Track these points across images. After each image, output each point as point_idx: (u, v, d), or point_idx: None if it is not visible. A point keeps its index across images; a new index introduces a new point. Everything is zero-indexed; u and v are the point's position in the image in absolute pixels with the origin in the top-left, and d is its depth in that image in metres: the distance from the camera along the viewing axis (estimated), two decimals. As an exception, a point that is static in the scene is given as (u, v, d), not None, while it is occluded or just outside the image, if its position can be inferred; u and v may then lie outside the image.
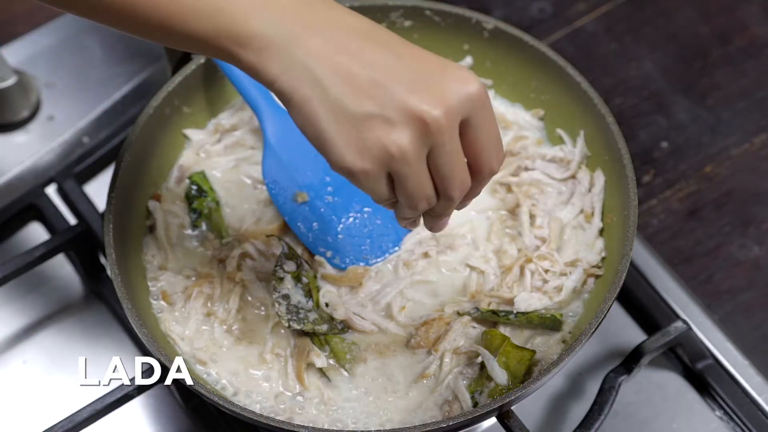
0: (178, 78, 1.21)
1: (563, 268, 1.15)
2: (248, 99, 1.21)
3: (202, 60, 1.22)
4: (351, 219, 1.20)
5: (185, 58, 1.23)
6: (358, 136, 0.90)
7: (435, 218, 0.99)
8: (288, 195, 1.20)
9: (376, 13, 1.25)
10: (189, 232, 1.21)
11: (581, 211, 1.19)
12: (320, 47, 0.90)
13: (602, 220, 1.18)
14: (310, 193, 1.20)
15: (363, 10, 1.25)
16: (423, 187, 0.93)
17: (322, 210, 1.20)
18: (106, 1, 0.91)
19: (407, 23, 1.26)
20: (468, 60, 1.27)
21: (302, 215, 1.20)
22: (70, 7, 0.94)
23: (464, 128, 0.92)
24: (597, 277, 1.16)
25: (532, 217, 1.18)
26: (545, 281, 1.15)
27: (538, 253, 1.16)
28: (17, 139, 1.36)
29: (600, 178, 1.19)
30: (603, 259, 1.17)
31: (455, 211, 1.23)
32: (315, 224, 1.19)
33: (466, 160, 0.93)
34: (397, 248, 1.19)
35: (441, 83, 0.90)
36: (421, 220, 1.00)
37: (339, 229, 1.19)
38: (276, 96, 0.92)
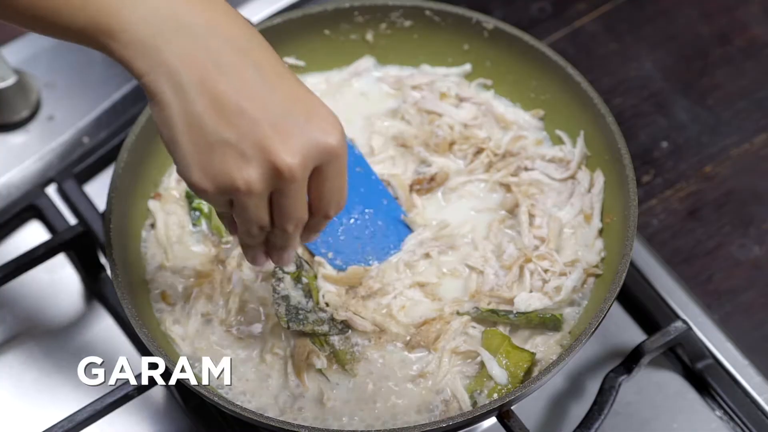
0: (178, 78, 1.21)
1: (563, 268, 1.15)
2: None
3: (202, 60, 1.22)
4: (352, 220, 1.20)
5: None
6: (210, 159, 0.88)
7: (275, 250, 0.99)
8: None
9: (376, 13, 1.25)
10: (189, 231, 1.21)
11: (580, 212, 1.19)
12: (190, 53, 0.88)
13: (602, 220, 1.18)
14: (310, 193, 1.20)
15: (363, 10, 1.25)
16: (260, 218, 0.93)
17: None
18: None
19: (407, 23, 1.26)
20: (467, 66, 1.27)
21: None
22: None
23: (314, 173, 0.91)
24: (597, 276, 1.16)
25: (531, 217, 1.18)
26: (545, 281, 1.15)
27: (538, 252, 1.16)
28: (17, 139, 1.36)
29: (600, 179, 1.19)
30: (602, 259, 1.17)
31: (453, 211, 1.22)
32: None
33: (307, 199, 0.93)
34: (398, 249, 1.19)
35: (304, 129, 0.88)
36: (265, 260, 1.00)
37: (340, 230, 1.19)
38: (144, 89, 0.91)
